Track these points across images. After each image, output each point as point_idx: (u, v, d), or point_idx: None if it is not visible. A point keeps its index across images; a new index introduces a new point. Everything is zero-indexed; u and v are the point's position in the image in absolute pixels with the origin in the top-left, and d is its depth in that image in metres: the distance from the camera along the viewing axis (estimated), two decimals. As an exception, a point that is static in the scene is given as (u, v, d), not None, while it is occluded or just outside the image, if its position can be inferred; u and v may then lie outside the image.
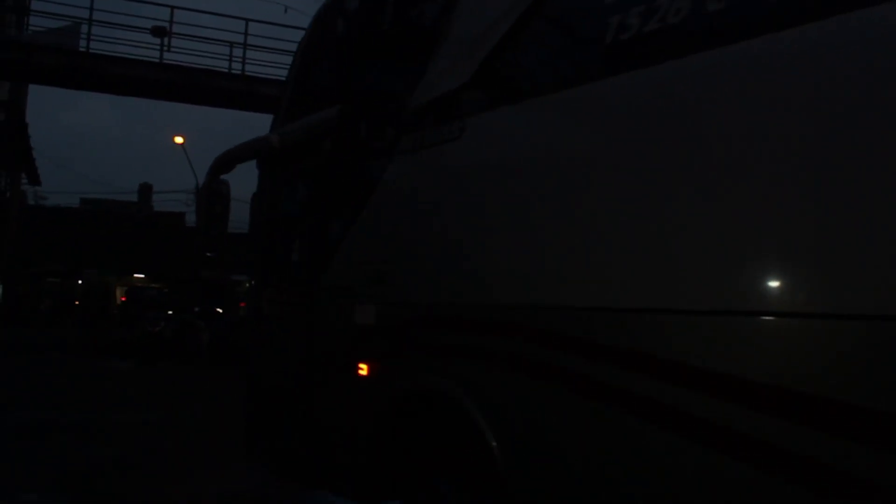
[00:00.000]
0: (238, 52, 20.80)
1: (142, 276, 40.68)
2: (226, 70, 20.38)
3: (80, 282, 37.68)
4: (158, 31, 20.51)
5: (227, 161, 5.46)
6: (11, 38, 23.83)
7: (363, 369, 4.21)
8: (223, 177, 5.40)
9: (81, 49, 20.02)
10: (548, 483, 3.04)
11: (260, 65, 24.62)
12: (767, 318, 2.40)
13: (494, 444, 3.24)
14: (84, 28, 20.16)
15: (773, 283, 2.42)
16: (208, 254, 16.27)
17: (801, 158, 2.38)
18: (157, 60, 20.00)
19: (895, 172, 2.13)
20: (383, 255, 4.20)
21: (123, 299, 35.34)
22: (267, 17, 23.99)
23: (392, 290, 4.08)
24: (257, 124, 11.30)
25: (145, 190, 48.44)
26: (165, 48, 20.24)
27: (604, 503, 2.82)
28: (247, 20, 21.11)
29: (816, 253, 2.31)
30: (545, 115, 3.33)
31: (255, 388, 5.59)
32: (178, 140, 27.35)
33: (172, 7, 20.47)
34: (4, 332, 23.66)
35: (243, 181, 6.58)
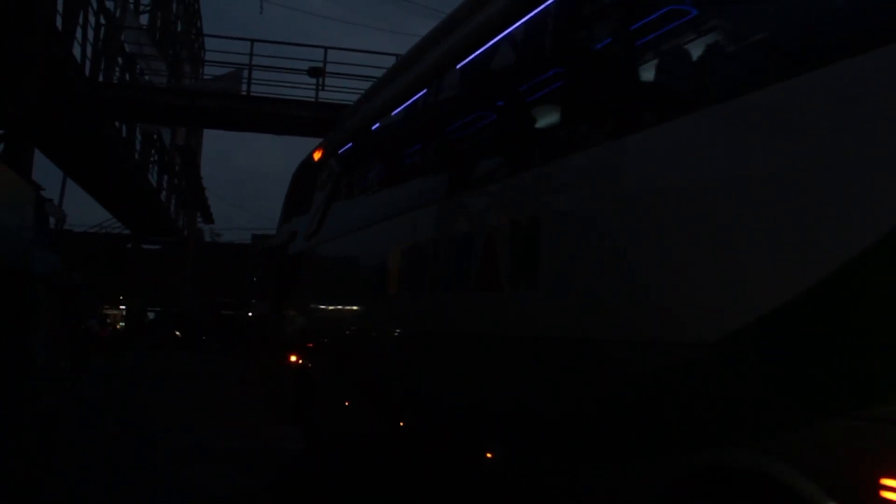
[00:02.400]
0: (389, 87, 21.18)
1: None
2: (377, 105, 20.77)
3: (250, 314, 39.52)
4: (314, 72, 21.27)
5: (261, 249, 15.26)
6: (181, 86, 25.51)
7: (290, 357, 9.20)
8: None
9: (243, 93, 21.09)
10: (334, 388, 7.68)
11: (411, 99, 24.93)
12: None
13: (316, 382, 8.21)
14: (245, 73, 21.28)
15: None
16: (252, 300, 22.09)
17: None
18: (312, 100, 20.70)
19: None
20: (293, 302, 9.58)
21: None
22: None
23: (300, 321, 9.38)
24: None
25: (310, 225, 50.33)
26: (320, 87, 20.96)
27: (342, 391, 7.47)
28: (397, 56, 21.49)
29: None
30: (339, 249, 7.97)
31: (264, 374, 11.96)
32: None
33: (326, 48, 21.20)
34: (181, 360, 25.08)
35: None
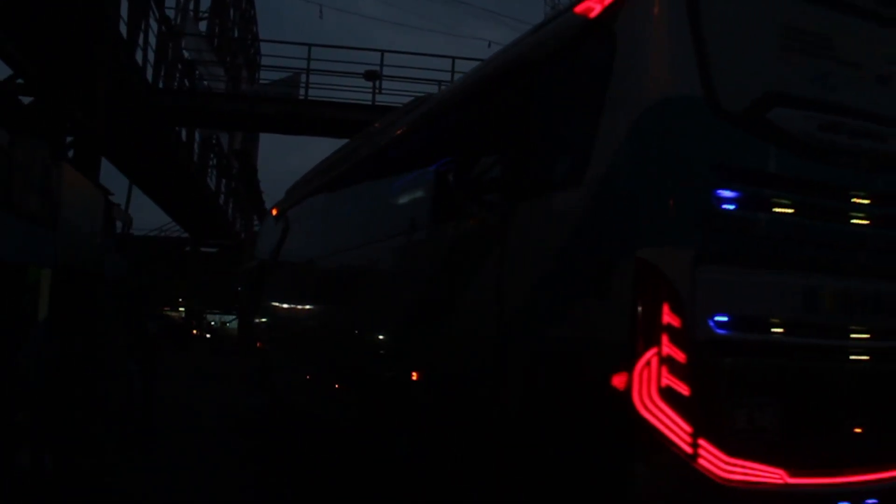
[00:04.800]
0: (445, 89, 21.19)
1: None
2: (433, 108, 20.72)
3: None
4: (371, 75, 21.32)
5: (242, 270, 18.25)
6: (241, 92, 25.88)
7: (258, 345, 14.17)
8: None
9: (301, 97, 21.29)
10: (279, 365, 12.02)
11: (466, 101, 24.54)
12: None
13: (271, 361, 12.70)
14: (303, 77, 21.48)
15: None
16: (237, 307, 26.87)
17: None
18: (368, 103, 20.79)
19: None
20: (259, 307, 13.93)
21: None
22: (472, 55, 24.22)
23: (264, 320, 13.64)
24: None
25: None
26: (377, 91, 21.03)
27: (283, 366, 11.78)
28: (453, 58, 21.52)
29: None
30: (281, 275, 12.41)
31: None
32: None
33: (382, 51, 21.27)
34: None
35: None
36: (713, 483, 3.83)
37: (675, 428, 3.85)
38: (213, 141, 31.31)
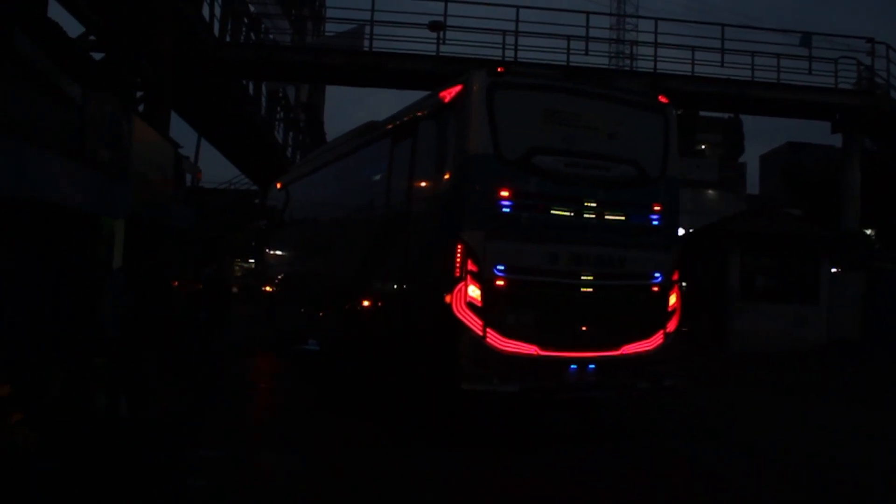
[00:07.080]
0: (510, 39, 20.93)
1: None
2: (499, 58, 20.48)
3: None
4: (435, 26, 21.09)
5: (255, 228, 20.42)
6: (304, 43, 25.93)
7: (266, 288, 17.09)
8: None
9: (365, 49, 21.22)
10: (282, 303, 15.44)
11: (532, 50, 23.91)
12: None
13: (276, 300, 16.00)
14: (367, 29, 21.38)
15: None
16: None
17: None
18: (433, 54, 20.62)
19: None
20: (268, 258, 17.76)
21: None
22: (537, 3, 23.72)
23: (271, 268, 17.21)
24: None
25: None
26: (442, 41, 20.81)
27: (284, 304, 15.25)
28: (517, 7, 21.15)
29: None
30: (283, 233, 16.31)
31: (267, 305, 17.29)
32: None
33: (446, 1, 20.98)
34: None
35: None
36: (495, 351, 7.57)
37: (474, 322, 7.53)
38: (280, 94, 31.51)
